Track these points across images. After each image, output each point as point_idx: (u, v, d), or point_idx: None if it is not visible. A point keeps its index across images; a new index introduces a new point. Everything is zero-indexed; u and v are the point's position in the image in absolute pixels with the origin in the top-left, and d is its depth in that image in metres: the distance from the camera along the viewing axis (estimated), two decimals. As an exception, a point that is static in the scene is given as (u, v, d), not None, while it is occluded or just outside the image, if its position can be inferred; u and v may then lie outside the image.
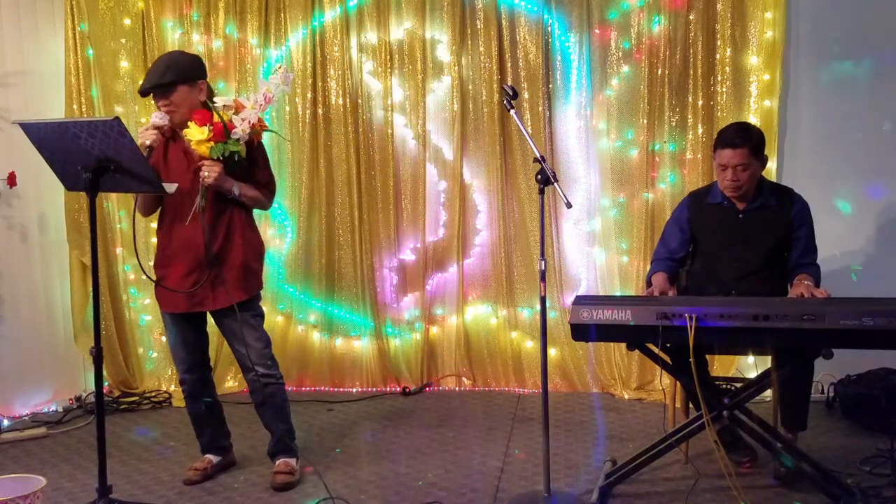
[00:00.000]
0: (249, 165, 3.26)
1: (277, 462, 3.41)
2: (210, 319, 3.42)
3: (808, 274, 3.31)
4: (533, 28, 4.63)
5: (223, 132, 3.11)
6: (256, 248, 3.39)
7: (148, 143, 3.09)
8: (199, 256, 3.21)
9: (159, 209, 3.37)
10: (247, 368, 3.32)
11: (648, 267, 4.50)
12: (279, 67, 3.26)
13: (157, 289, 3.34)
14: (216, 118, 3.12)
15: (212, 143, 3.10)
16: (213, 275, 3.23)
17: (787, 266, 3.43)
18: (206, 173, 3.12)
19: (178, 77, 3.18)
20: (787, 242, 3.41)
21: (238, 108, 3.18)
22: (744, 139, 3.28)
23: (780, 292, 3.41)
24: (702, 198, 3.53)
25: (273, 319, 4.87)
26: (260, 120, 3.22)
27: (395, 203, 4.81)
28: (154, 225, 4.74)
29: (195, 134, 3.10)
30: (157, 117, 3.18)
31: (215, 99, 3.21)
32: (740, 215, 3.40)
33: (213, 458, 3.50)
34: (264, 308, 4.70)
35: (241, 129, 3.13)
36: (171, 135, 3.28)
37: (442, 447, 3.79)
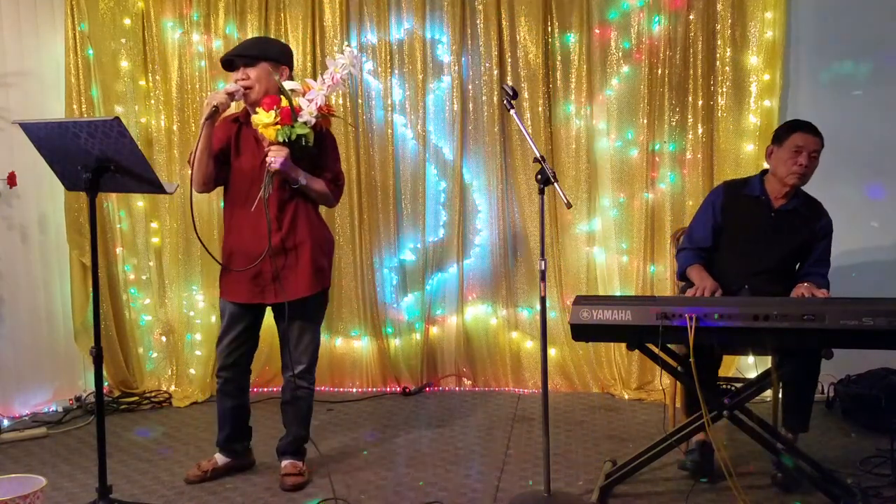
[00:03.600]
0: (318, 155, 3.20)
1: (284, 463, 3.39)
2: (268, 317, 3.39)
3: (813, 282, 3.32)
4: (533, 28, 4.62)
5: (290, 115, 3.04)
6: (323, 243, 3.33)
7: (215, 103, 3.04)
8: (264, 246, 3.14)
9: (221, 190, 3.32)
10: (286, 366, 3.30)
11: (650, 267, 4.53)
12: (347, 47, 3.19)
13: (221, 275, 3.31)
14: (284, 101, 3.05)
15: (278, 127, 3.04)
16: (276, 267, 3.18)
17: (799, 270, 3.45)
18: (271, 158, 3.06)
19: (263, 53, 3.16)
20: (806, 251, 3.44)
21: (306, 91, 3.11)
22: (818, 132, 3.39)
23: (787, 294, 3.42)
24: (738, 188, 3.54)
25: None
26: (328, 105, 3.14)
27: (395, 203, 4.81)
28: (155, 225, 4.79)
29: (262, 118, 3.05)
30: (232, 86, 3.14)
31: (284, 83, 3.14)
32: (773, 213, 3.42)
33: (218, 460, 3.45)
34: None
35: (307, 111, 3.05)
36: (245, 119, 3.24)
37: (442, 447, 3.79)
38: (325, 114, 3.14)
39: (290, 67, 3.28)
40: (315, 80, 3.19)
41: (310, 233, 3.25)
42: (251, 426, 3.55)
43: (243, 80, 3.16)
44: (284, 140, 3.05)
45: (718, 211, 3.51)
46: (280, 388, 3.47)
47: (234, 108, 3.40)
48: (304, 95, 3.12)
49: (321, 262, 3.31)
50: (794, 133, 3.39)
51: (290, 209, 3.21)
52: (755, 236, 3.43)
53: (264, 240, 3.13)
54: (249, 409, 3.52)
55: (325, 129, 3.22)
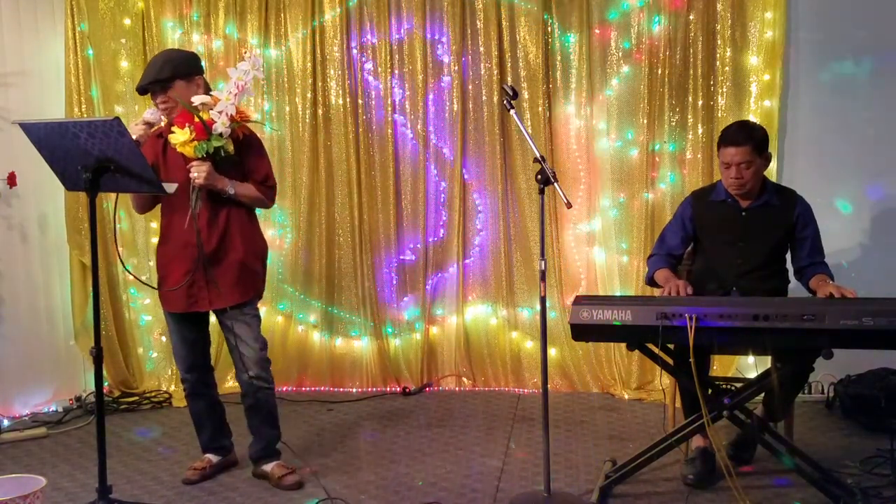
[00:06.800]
0: (242, 162, 3.24)
1: (271, 465, 3.39)
2: (213, 319, 3.42)
3: (825, 273, 3.31)
4: (533, 28, 4.63)
5: (203, 130, 3.08)
6: (256, 248, 3.36)
7: (134, 137, 3.07)
8: (195, 256, 3.20)
9: (158, 206, 3.37)
10: (241, 370, 3.31)
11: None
12: (247, 52, 3.19)
13: (158, 285, 3.37)
14: (196, 117, 3.09)
15: (195, 143, 3.08)
16: (208, 275, 3.22)
17: (795, 265, 3.44)
18: (195, 174, 3.10)
19: (175, 72, 3.19)
20: (789, 242, 3.42)
21: (216, 103, 3.15)
22: (746, 137, 3.30)
23: (779, 291, 3.42)
24: (706, 196, 3.54)
25: (273, 319, 4.87)
26: (240, 111, 3.17)
27: (395, 203, 4.81)
28: (154, 225, 4.78)
29: (178, 137, 3.09)
30: (150, 114, 3.19)
31: (193, 98, 3.17)
32: (743, 213, 3.41)
33: (212, 458, 3.49)
34: (264, 308, 4.75)
35: (220, 122, 3.09)
36: (169, 134, 3.27)
37: (442, 447, 3.79)
38: (238, 121, 3.16)
39: (202, 72, 3.32)
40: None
41: (242, 241, 3.28)
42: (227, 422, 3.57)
43: (164, 103, 3.20)
44: (203, 155, 3.09)
45: (689, 223, 3.51)
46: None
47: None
48: (214, 107, 3.14)
49: (254, 269, 3.34)
50: (721, 148, 3.37)
51: (221, 219, 3.24)
52: (732, 238, 3.41)
53: (196, 249, 3.18)
54: (222, 403, 3.55)
55: (245, 134, 3.25)
